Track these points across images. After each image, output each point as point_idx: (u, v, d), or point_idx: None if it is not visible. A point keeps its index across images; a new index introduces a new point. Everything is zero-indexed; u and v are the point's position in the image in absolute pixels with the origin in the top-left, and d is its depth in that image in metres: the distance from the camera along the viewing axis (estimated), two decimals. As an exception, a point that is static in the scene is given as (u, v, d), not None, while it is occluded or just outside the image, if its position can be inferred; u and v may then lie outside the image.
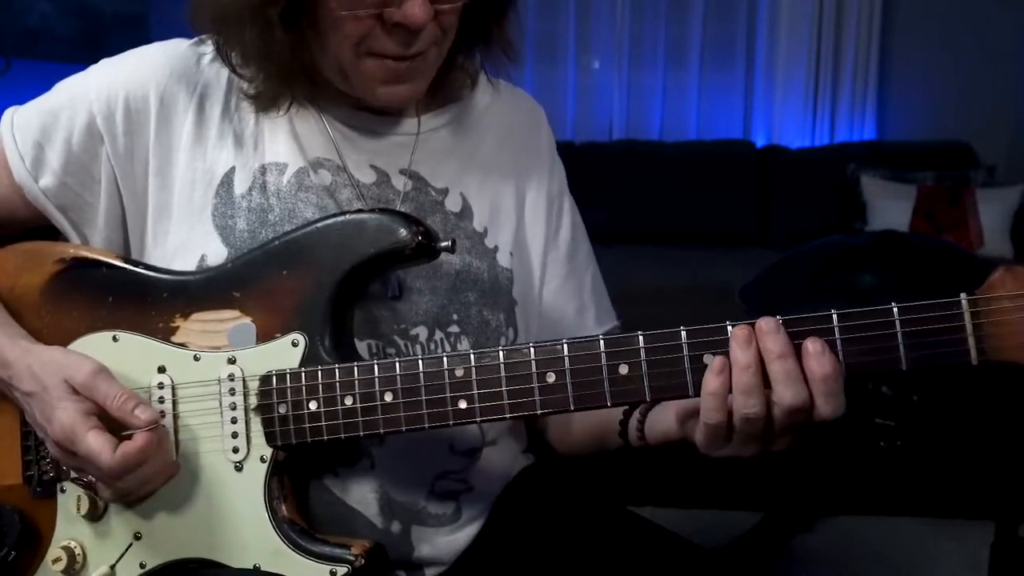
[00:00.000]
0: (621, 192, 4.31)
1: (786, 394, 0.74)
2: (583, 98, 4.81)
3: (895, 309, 0.74)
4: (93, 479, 0.86)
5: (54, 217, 0.98)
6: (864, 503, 2.48)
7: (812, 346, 0.75)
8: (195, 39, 0.99)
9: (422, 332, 0.95)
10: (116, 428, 0.84)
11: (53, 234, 1.01)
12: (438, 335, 0.95)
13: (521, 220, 1.06)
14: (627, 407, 0.92)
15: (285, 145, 0.97)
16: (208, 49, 0.98)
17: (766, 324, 0.76)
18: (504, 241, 1.03)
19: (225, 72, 0.97)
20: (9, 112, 0.99)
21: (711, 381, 0.76)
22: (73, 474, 0.88)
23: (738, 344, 0.75)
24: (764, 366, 0.75)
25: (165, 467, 0.87)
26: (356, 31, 0.86)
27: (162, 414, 0.88)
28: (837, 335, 0.75)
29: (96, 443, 0.81)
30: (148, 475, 0.85)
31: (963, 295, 0.73)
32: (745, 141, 4.67)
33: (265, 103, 0.95)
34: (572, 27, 4.74)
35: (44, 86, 1.00)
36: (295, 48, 0.88)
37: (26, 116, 0.98)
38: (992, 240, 3.88)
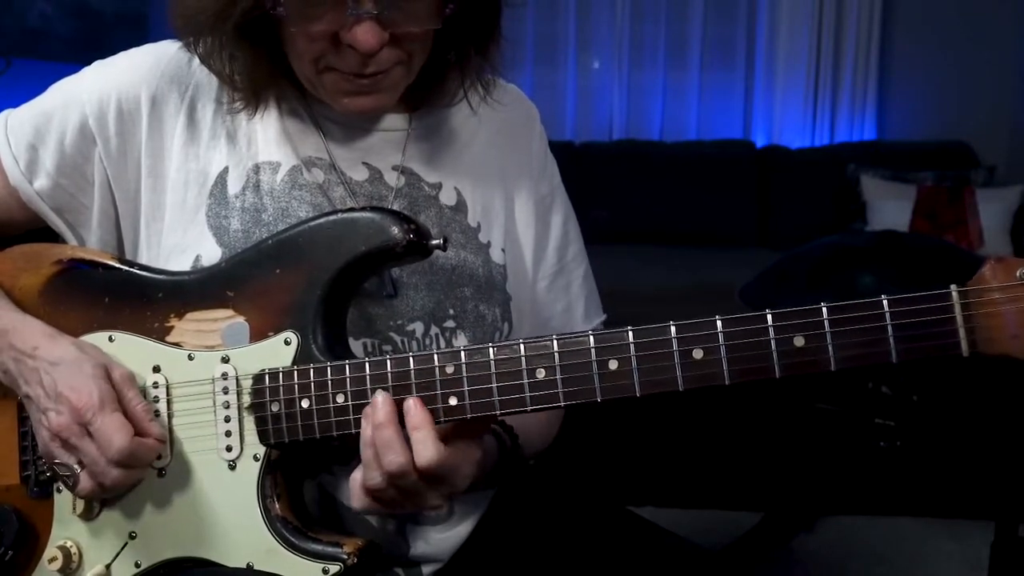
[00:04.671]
0: (621, 192, 4.31)
1: (386, 459, 0.80)
2: (583, 98, 4.81)
3: (885, 301, 0.74)
4: (78, 469, 0.85)
5: (50, 219, 0.99)
6: (864, 503, 2.49)
7: (408, 403, 0.81)
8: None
9: (418, 328, 0.95)
10: None
11: (51, 236, 1.01)
12: (434, 330, 0.95)
13: (511, 218, 1.06)
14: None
15: (277, 144, 0.97)
16: None
17: (378, 396, 0.82)
18: (496, 237, 1.03)
19: None
20: (3, 115, 1.00)
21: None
22: (58, 460, 0.87)
23: (362, 426, 0.82)
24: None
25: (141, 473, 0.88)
26: (313, 50, 0.86)
27: (157, 413, 0.88)
28: (827, 328, 0.75)
29: (117, 421, 0.83)
30: (133, 479, 0.86)
31: (953, 287, 0.73)
32: (745, 141, 4.67)
33: (244, 105, 0.95)
34: (572, 27, 4.74)
35: (44, 86, 1.01)
36: (260, 58, 0.89)
37: (20, 119, 0.98)
38: (992, 240, 3.87)
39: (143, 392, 0.88)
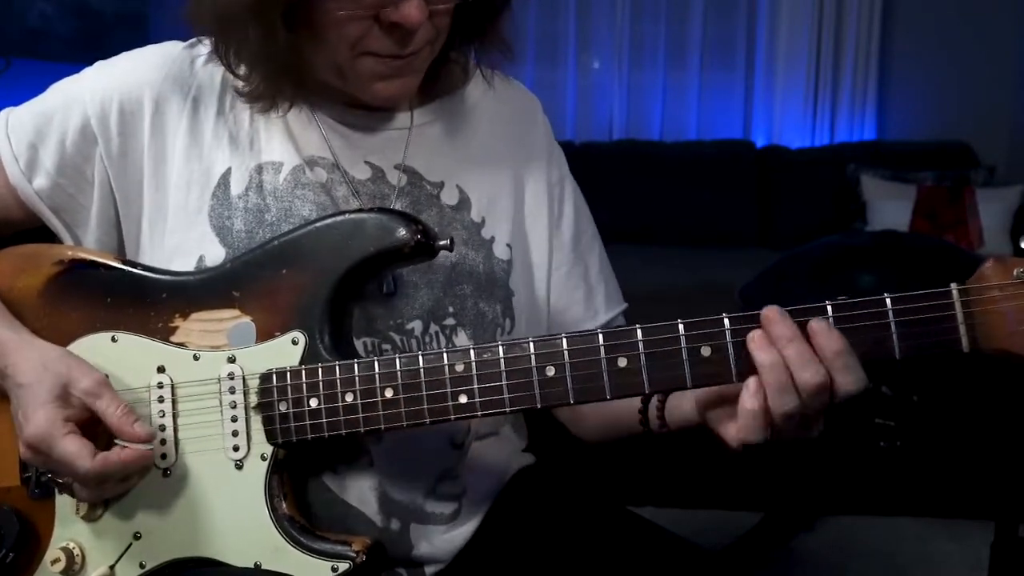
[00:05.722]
0: (621, 192, 4.30)
1: (805, 375, 0.76)
2: (583, 98, 4.81)
3: (888, 299, 0.76)
4: (69, 480, 0.85)
5: (47, 218, 0.99)
6: (864, 503, 2.48)
7: (817, 325, 0.76)
8: (189, 41, 1.00)
9: (417, 326, 0.95)
10: (95, 437, 0.84)
11: (50, 236, 1.01)
12: (433, 328, 0.96)
13: (520, 210, 1.06)
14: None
15: (280, 144, 0.97)
16: (202, 51, 0.99)
17: (771, 312, 0.77)
18: (502, 231, 1.03)
19: (219, 74, 0.98)
20: (4, 114, 1.00)
21: (747, 401, 0.77)
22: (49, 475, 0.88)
23: (758, 347, 0.77)
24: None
25: (143, 469, 0.87)
26: (354, 32, 0.87)
27: (162, 413, 0.88)
28: (832, 325, 0.76)
29: (73, 447, 0.82)
30: (119, 488, 0.86)
31: (954, 285, 0.75)
32: (745, 141, 4.68)
33: (265, 104, 0.95)
34: (572, 27, 4.75)
35: (44, 86, 1.01)
36: (293, 49, 0.89)
37: (20, 118, 0.98)
38: (992, 240, 3.88)
39: (146, 391, 0.88)
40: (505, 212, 1.04)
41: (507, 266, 1.03)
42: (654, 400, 0.92)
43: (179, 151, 0.96)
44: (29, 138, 0.97)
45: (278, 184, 0.95)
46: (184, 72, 0.97)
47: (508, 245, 1.03)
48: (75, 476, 0.83)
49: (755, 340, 0.77)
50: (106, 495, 0.87)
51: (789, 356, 0.76)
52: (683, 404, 0.89)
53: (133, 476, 0.87)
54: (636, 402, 0.94)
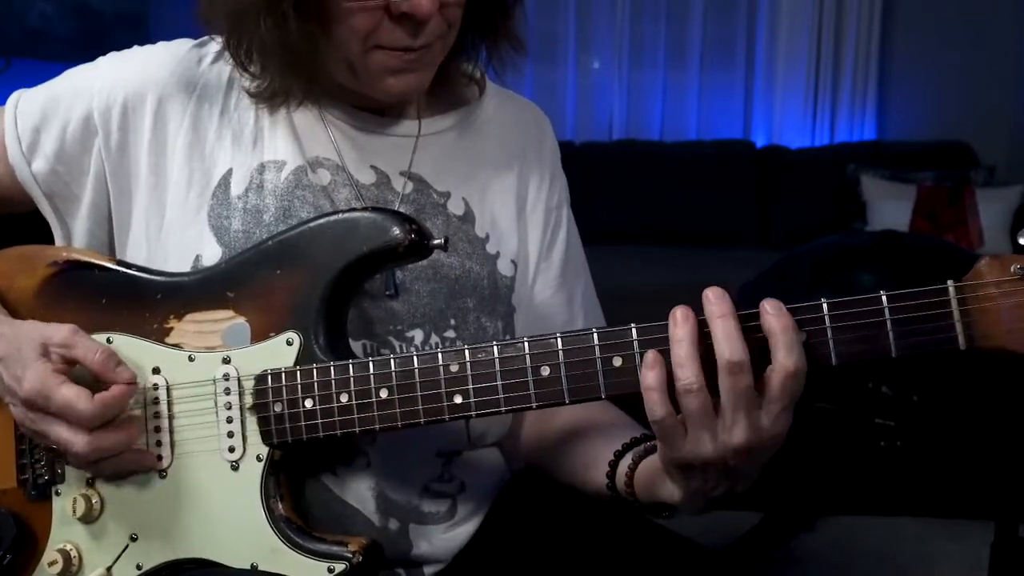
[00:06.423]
0: (621, 192, 4.32)
1: (724, 349, 0.74)
2: (583, 98, 4.81)
3: (884, 297, 0.75)
4: (59, 446, 0.84)
5: (40, 203, 1.00)
6: (864, 503, 2.48)
7: (769, 305, 0.75)
8: (198, 40, 1.00)
9: (418, 335, 0.95)
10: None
11: (47, 237, 1.02)
12: (434, 339, 0.95)
13: (523, 228, 1.06)
14: (618, 449, 0.92)
15: (284, 143, 0.97)
16: (209, 50, 0.99)
17: (712, 292, 0.77)
18: (506, 248, 1.03)
19: (225, 73, 0.98)
20: (16, 94, 1.01)
21: (646, 376, 0.76)
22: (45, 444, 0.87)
23: (675, 322, 0.76)
24: (704, 346, 0.76)
25: (141, 454, 0.87)
26: (364, 24, 0.87)
27: (157, 415, 0.88)
28: (827, 323, 0.76)
29: (71, 392, 0.82)
30: (122, 442, 0.85)
31: (950, 282, 0.74)
32: (745, 141, 4.68)
33: (275, 103, 0.95)
34: (572, 27, 4.75)
35: (44, 86, 1.01)
36: (306, 41, 0.88)
37: (30, 101, 0.99)
38: (992, 240, 3.88)
39: (142, 393, 0.88)
40: (509, 229, 1.04)
41: (510, 282, 1.03)
42: (628, 459, 0.90)
43: (180, 149, 0.96)
44: (34, 121, 0.98)
45: (279, 183, 0.95)
46: (191, 71, 0.98)
47: (513, 262, 1.03)
48: (77, 420, 0.82)
49: (675, 316, 0.77)
50: (98, 461, 0.85)
51: (715, 332, 0.75)
52: (652, 463, 0.86)
53: (129, 459, 0.86)
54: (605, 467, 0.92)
